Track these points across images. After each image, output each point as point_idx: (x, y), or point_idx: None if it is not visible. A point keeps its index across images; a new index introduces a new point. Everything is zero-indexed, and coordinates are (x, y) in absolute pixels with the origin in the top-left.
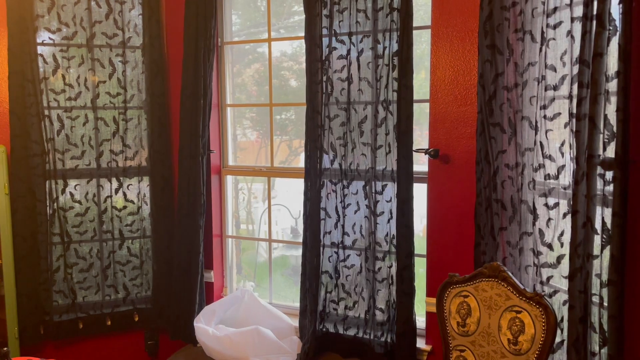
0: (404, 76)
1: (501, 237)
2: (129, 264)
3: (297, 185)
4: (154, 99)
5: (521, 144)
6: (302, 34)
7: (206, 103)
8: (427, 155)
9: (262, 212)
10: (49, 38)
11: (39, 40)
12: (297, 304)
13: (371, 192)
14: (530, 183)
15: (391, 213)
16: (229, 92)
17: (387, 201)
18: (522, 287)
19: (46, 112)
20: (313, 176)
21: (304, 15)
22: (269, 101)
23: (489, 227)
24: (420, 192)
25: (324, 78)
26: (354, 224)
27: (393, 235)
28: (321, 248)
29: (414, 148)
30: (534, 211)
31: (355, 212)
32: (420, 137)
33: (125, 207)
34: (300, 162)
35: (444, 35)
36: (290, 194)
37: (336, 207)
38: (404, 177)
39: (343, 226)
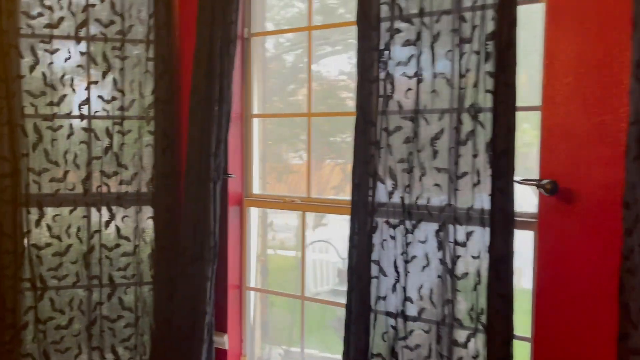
0: (504, 70)
1: None
2: (121, 320)
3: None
4: (159, 106)
5: None
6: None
7: (222, 111)
8: (538, 190)
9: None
10: (27, 25)
11: (14, 28)
12: None
13: (448, 240)
14: None
15: (479, 275)
16: (257, 98)
17: (473, 257)
18: None
19: (20, 121)
20: (362, 214)
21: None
22: (307, 110)
23: None
24: (522, 244)
25: (382, 74)
26: (421, 286)
27: (481, 309)
28: (372, 318)
29: (517, 178)
30: None
31: (424, 268)
32: None
33: (118, 246)
34: None
35: (567, 10)
36: (339, 226)
37: (395, 261)
38: (502, 222)
39: (404, 288)
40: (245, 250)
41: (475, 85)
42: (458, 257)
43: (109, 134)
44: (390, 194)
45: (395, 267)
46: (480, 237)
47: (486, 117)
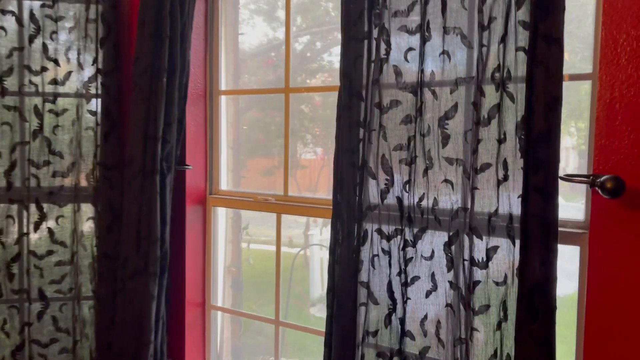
0: (545, 17)
1: None
2: (54, 345)
3: None
4: (101, 79)
5: None
6: None
7: (174, 84)
8: (592, 190)
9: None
10: None
11: None
12: None
13: (462, 258)
14: None
15: (505, 309)
16: (224, 71)
17: (496, 283)
18: None
19: None
20: (348, 219)
21: None
22: (285, 85)
23: None
24: (565, 264)
25: (374, 30)
26: (425, 316)
27: (508, 355)
28: (358, 358)
29: (561, 173)
30: None
31: (428, 294)
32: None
33: (50, 253)
34: None
35: None
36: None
37: (389, 283)
38: (539, 234)
39: (402, 320)
40: (209, 260)
41: (503, 40)
42: (476, 282)
43: (39, 114)
44: (384, 192)
45: (390, 291)
46: (507, 254)
47: (517, 88)
